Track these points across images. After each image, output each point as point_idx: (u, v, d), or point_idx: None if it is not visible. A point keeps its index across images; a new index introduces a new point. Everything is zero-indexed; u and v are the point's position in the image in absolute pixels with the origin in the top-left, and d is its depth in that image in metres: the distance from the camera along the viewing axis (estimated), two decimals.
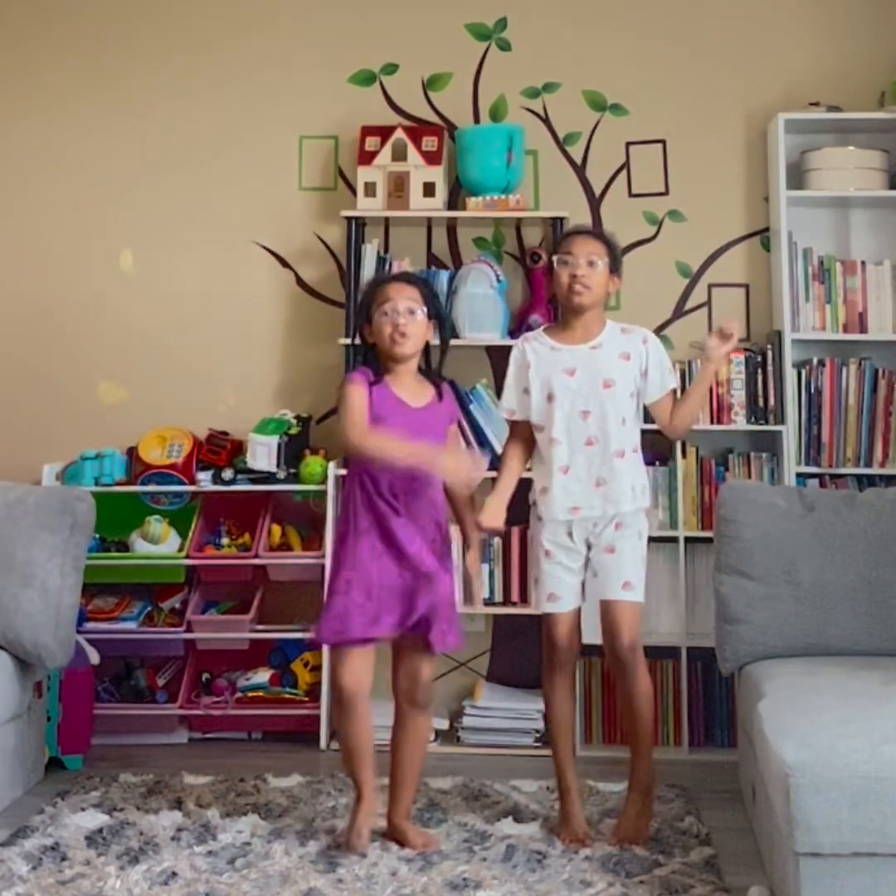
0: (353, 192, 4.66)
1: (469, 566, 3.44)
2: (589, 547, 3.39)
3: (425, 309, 3.34)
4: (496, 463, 4.44)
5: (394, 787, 3.41)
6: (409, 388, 3.36)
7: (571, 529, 3.39)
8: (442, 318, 3.43)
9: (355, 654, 3.27)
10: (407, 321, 3.30)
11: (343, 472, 4.15)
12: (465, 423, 4.35)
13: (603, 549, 3.38)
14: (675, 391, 3.49)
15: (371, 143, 4.58)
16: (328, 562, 4.31)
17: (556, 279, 3.41)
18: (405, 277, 3.46)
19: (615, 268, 3.42)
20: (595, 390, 3.36)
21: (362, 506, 3.31)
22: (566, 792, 3.46)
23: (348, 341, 4.37)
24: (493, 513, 3.37)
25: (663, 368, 3.45)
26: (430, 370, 3.44)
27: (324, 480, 4.43)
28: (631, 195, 4.71)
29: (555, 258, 3.41)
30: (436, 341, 3.41)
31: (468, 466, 3.26)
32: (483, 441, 4.42)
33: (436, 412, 3.38)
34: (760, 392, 4.42)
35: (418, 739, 3.43)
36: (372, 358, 3.39)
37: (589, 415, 3.36)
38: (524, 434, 3.48)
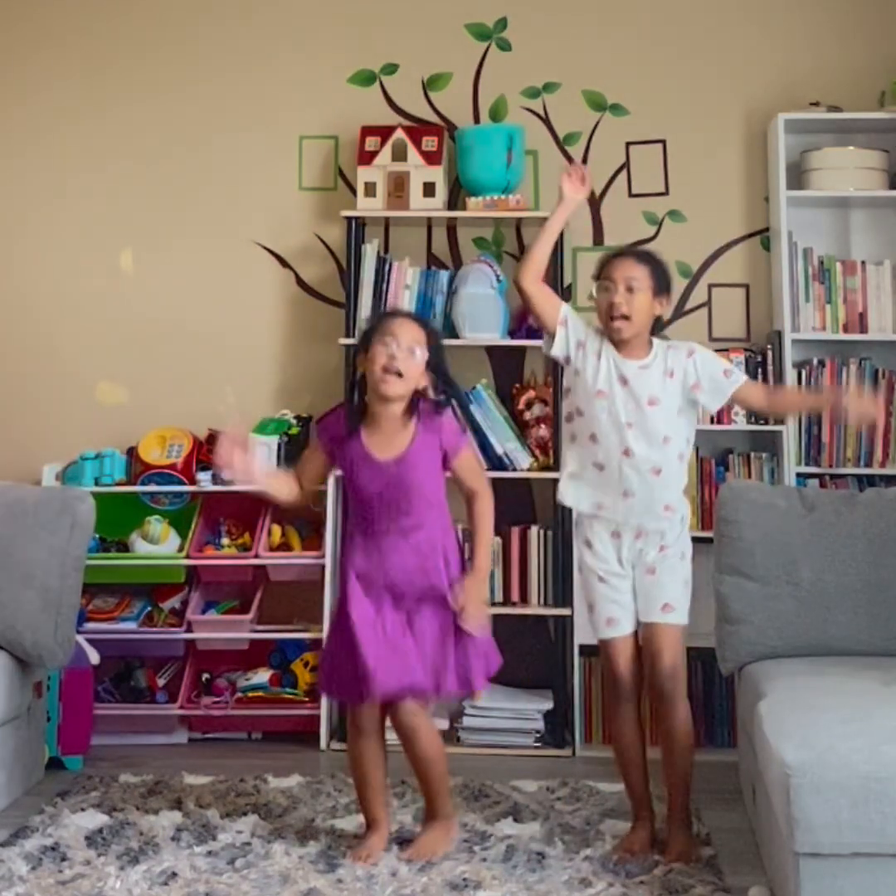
0: (353, 192, 4.66)
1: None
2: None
3: (427, 355, 3.16)
4: (501, 464, 4.41)
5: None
6: (385, 437, 3.18)
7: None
8: (444, 374, 3.21)
9: None
10: (404, 358, 3.11)
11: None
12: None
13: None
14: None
15: (371, 143, 4.58)
16: (328, 562, 4.34)
17: (597, 304, 3.30)
18: (415, 317, 3.32)
19: (661, 289, 3.28)
20: (640, 407, 3.23)
21: (359, 541, 3.24)
22: (643, 819, 3.36)
23: (348, 341, 4.37)
24: None
25: (718, 375, 3.29)
26: (434, 402, 3.21)
27: (324, 481, 4.43)
28: (631, 195, 4.71)
29: (596, 283, 3.30)
30: (431, 394, 3.21)
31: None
32: (483, 442, 4.40)
33: (411, 461, 3.16)
34: None
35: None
36: (358, 392, 3.22)
37: (632, 426, 3.23)
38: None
